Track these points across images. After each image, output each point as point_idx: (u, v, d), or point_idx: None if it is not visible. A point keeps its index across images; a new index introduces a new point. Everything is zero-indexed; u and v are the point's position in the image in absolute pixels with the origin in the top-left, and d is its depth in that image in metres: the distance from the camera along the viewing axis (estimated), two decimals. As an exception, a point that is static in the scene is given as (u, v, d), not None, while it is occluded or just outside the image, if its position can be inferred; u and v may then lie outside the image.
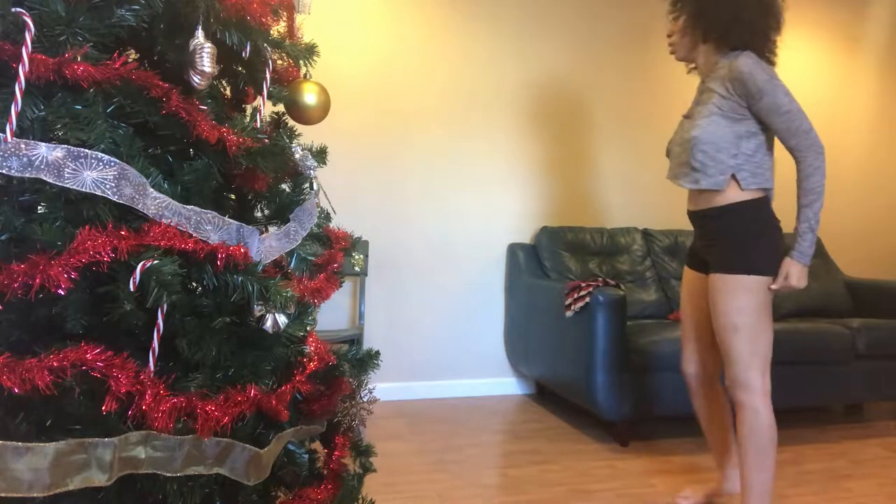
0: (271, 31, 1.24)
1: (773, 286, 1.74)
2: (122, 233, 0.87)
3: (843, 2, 4.07)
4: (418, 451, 2.51)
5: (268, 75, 1.22)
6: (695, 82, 3.98)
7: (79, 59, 0.86)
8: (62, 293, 0.80)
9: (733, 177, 1.77)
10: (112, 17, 0.91)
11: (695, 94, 1.97)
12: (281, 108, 1.36)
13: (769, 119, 1.74)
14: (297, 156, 1.27)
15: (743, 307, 1.73)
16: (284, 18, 1.35)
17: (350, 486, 1.29)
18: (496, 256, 3.45)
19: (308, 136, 1.43)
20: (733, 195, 1.78)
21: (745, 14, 1.77)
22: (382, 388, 3.21)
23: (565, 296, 2.74)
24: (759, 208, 1.78)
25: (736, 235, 1.78)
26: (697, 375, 2.02)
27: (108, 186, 0.87)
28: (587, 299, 2.62)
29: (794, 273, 1.72)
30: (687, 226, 3.72)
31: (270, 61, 1.23)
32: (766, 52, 1.81)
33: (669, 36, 1.95)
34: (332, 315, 3.18)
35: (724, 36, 1.80)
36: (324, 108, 1.36)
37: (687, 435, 2.78)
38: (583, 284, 2.71)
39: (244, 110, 1.33)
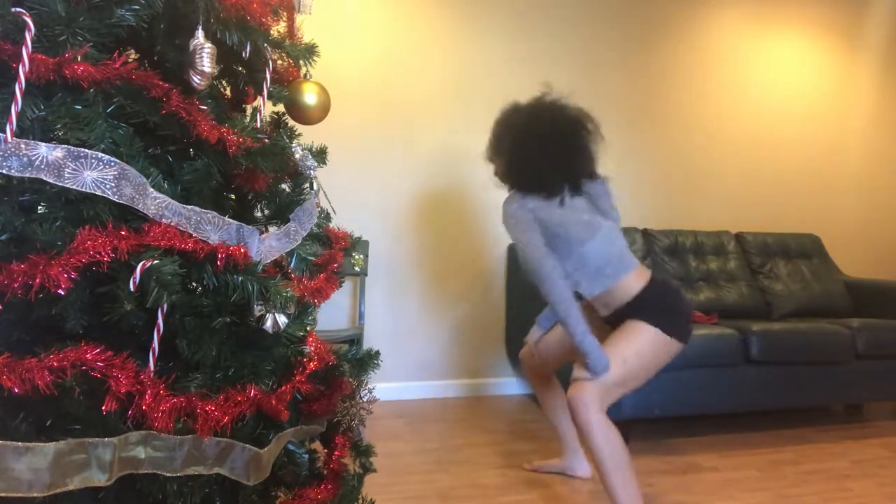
0: (271, 31, 1.24)
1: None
2: (122, 233, 0.87)
3: (843, 2, 4.07)
4: (418, 451, 2.51)
5: (268, 75, 1.22)
6: (693, 81, 4.01)
7: (79, 59, 0.86)
8: (62, 293, 0.80)
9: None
10: (112, 17, 0.91)
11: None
12: (281, 108, 1.36)
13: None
14: (297, 156, 1.27)
15: (642, 351, 1.79)
16: (284, 18, 1.35)
17: (350, 486, 1.29)
18: (496, 256, 3.45)
19: (308, 136, 1.43)
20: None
21: (501, 165, 1.94)
22: (382, 388, 3.21)
23: (565, 296, 2.74)
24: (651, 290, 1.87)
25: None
26: (537, 372, 2.26)
27: (108, 186, 0.87)
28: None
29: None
30: (687, 225, 3.72)
31: (270, 61, 1.23)
32: (522, 187, 1.90)
33: None
34: (332, 315, 3.18)
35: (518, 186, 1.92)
36: (324, 108, 1.37)
37: (687, 435, 2.78)
38: (583, 284, 2.70)
39: (244, 110, 1.33)
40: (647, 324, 1.80)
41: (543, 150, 1.86)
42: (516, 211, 1.85)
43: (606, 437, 1.71)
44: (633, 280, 1.86)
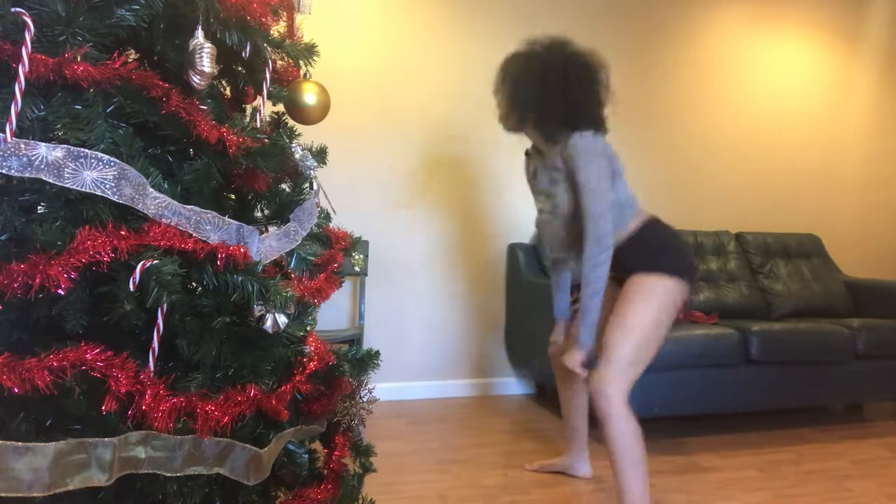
0: (271, 31, 1.24)
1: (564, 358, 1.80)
2: (122, 233, 0.87)
3: (843, 2, 4.07)
4: (418, 451, 2.51)
5: (268, 75, 1.22)
6: (693, 81, 4.00)
7: (79, 59, 0.86)
8: (62, 293, 0.80)
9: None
10: (112, 17, 0.91)
11: (537, 165, 2.01)
12: (281, 108, 1.36)
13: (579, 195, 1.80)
14: (297, 156, 1.27)
15: (648, 316, 1.76)
16: (284, 18, 1.35)
17: (350, 486, 1.29)
18: (496, 256, 3.45)
19: (308, 136, 1.43)
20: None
21: (550, 106, 1.82)
22: (382, 388, 3.21)
23: (565, 296, 2.74)
24: (651, 229, 1.86)
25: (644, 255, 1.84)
26: (565, 368, 2.18)
27: (108, 186, 0.87)
28: (587, 299, 2.61)
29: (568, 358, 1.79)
30: (687, 225, 3.72)
31: (270, 61, 1.23)
32: (586, 125, 1.82)
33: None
34: (332, 315, 3.18)
35: (544, 128, 1.86)
36: (324, 108, 1.37)
37: (687, 435, 2.78)
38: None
39: (244, 110, 1.33)
40: (647, 274, 1.78)
41: (595, 85, 1.83)
42: (601, 146, 1.77)
43: (625, 431, 1.71)
44: (636, 221, 1.86)
